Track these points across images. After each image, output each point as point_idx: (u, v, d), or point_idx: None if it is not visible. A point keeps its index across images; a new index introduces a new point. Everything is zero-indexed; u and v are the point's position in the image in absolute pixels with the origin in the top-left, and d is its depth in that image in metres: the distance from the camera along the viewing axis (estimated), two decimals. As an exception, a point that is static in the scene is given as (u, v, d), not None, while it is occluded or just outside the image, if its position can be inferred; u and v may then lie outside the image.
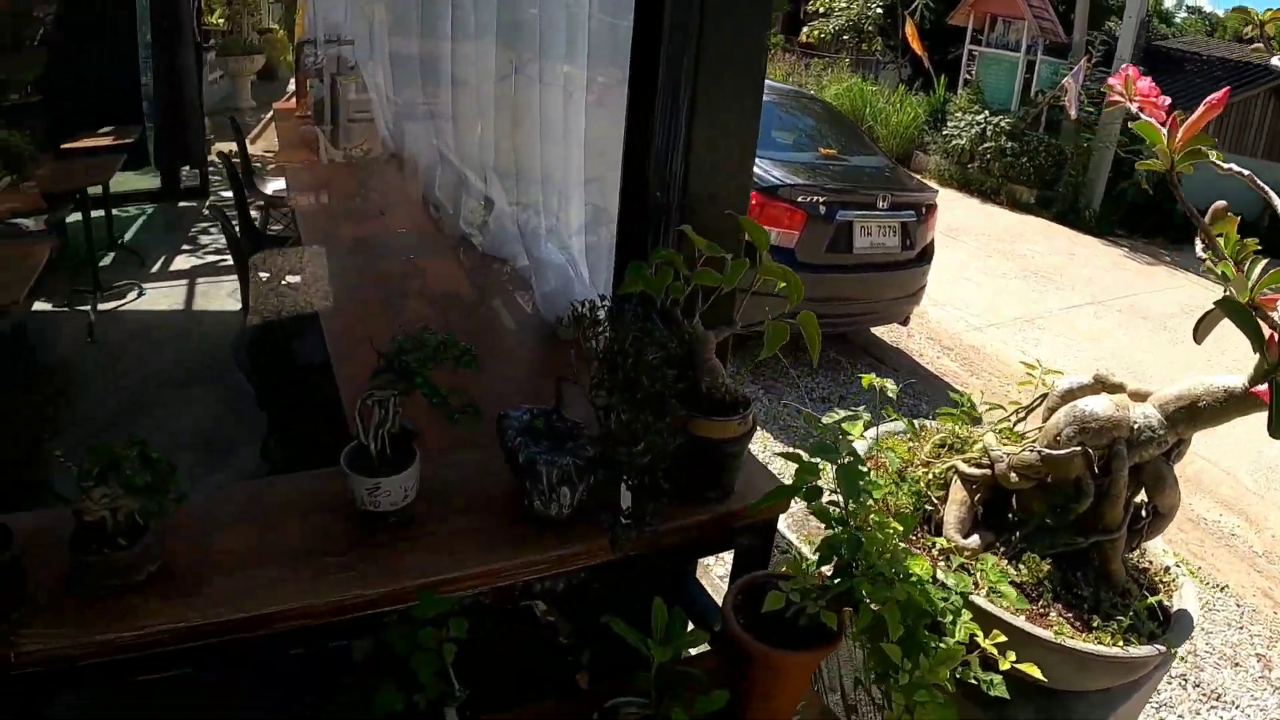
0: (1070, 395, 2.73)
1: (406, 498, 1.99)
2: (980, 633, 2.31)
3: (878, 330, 8.38)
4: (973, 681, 2.28)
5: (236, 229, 5.94)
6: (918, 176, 11.19)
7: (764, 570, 2.34)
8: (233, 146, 7.83)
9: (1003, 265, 11.38)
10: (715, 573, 4.06)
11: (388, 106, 6.28)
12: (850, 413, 2.36)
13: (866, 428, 2.38)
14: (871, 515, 2.09)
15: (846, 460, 1.98)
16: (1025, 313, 9.64)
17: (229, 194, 9.23)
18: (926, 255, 7.71)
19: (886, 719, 2.19)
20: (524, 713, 2.08)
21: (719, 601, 2.14)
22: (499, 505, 2.12)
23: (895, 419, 2.89)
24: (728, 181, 2.42)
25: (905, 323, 8.05)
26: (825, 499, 2.04)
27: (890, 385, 2.62)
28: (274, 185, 7.52)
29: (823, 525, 2.08)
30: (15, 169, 6.25)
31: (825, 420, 2.34)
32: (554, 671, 2.81)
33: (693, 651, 2.03)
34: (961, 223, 12.49)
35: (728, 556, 2.56)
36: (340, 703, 1.79)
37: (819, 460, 2.04)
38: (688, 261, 2.13)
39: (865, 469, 2.04)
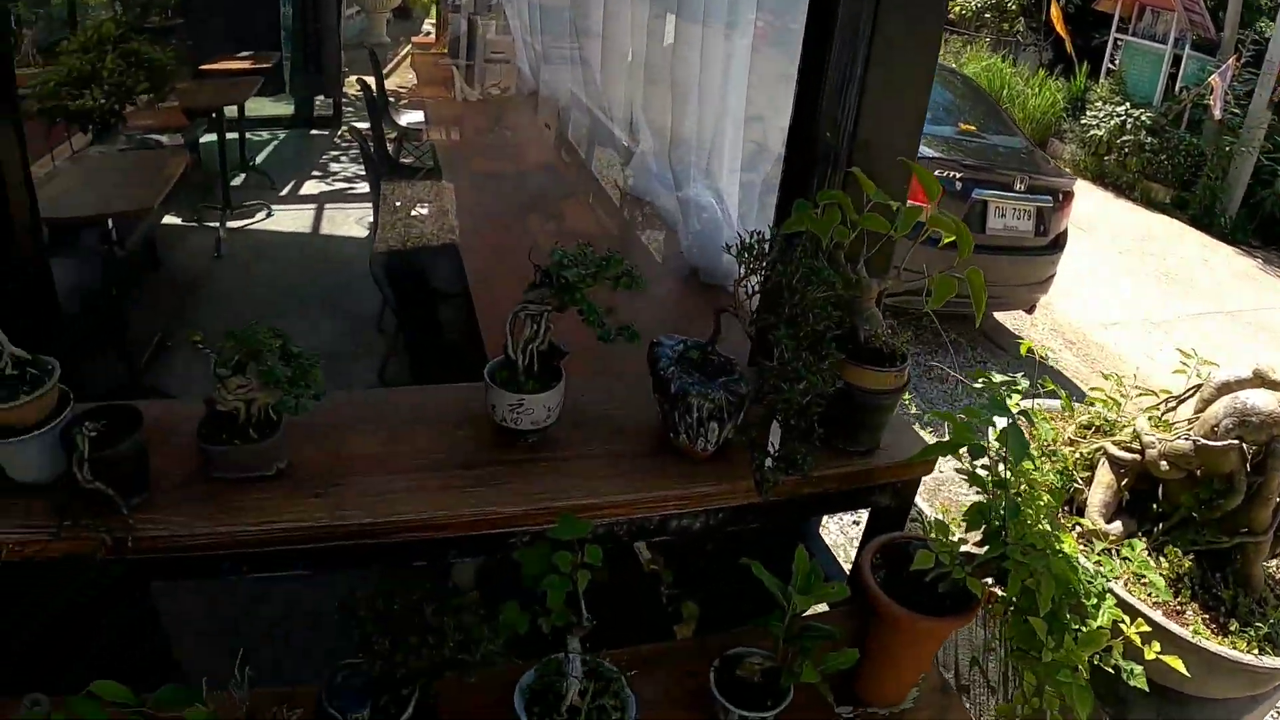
0: (1227, 388, 2.59)
1: (549, 418, 1.93)
2: (1126, 620, 2.21)
3: (1001, 315, 8.15)
4: (1108, 669, 2.20)
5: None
6: (1056, 162, 10.85)
7: (899, 532, 2.25)
8: (365, 80, 7.90)
9: (1132, 263, 11.00)
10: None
11: (529, 48, 6.25)
12: (1008, 378, 2.26)
13: (1024, 396, 2.28)
14: (1023, 485, 2.00)
15: (1014, 420, 1.87)
16: (1152, 315, 9.30)
17: (362, 125, 9.37)
18: (1059, 243, 7.47)
19: (1015, 699, 2.11)
20: (645, 650, 2.03)
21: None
22: (640, 435, 2.06)
23: (1052, 388, 2.77)
24: (899, 128, 2.32)
25: (1031, 311, 7.82)
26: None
27: (1045, 351, 2.50)
28: (407, 118, 7.57)
29: (973, 489, 1.99)
30: (157, 85, 6.35)
31: (980, 383, 2.24)
32: (652, 619, 2.77)
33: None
34: (1092, 215, 12.10)
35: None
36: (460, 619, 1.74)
37: (978, 420, 1.95)
38: (854, 206, 2.04)
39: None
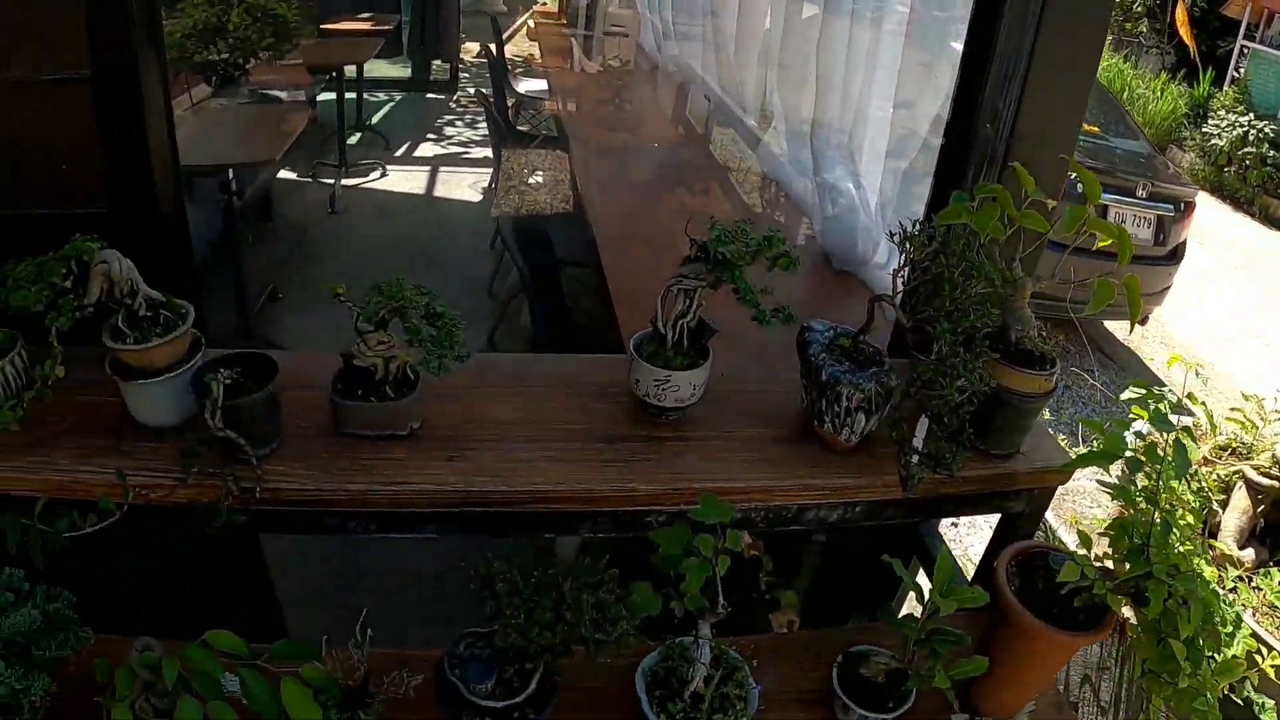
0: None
1: (693, 396, 1.90)
2: (1263, 650, 2.14)
3: (1111, 325, 7.95)
4: (1238, 700, 2.13)
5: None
6: (1178, 169, 10.56)
7: (1033, 541, 2.19)
8: (479, 46, 7.94)
9: (1247, 281, 10.67)
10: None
11: (653, 23, 6.21)
12: (1153, 390, 2.18)
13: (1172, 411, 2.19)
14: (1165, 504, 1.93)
15: (1177, 432, 1.81)
16: (1265, 335, 9.02)
17: (477, 91, 9.42)
18: (1177, 254, 7.28)
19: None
20: (766, 640, 2.00)
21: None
22: (780, 420, 2.03)
23: (1199, 405, 2.68)
24: (1059, 124, 2.26)
25: (1143, 322, 7.62)
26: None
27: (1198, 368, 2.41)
28: (526, 85, 7.58)
29: (1117, 502, 1.93)
30: (282, 41, 6.43)
31: (1126, 395, 2.17)
32: (747, 604, 2.74)
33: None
34: (1208, 228, 11.76)
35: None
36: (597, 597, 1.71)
37: (1129, 432, 1.88)
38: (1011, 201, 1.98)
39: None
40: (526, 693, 1.61)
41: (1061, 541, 1.87)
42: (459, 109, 9.66)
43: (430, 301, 1.83)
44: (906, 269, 1.89)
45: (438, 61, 10.27)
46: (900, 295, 1.88)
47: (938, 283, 1.83)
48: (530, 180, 4.98)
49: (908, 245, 1.85)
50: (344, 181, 7.28)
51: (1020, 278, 2.01)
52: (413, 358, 1.85)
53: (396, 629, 3.36)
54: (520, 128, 7.05)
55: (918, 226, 1.88)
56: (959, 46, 2.63)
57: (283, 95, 6.60)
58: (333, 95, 7.44)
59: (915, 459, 1.84)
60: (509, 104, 7.30)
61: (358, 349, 1.83)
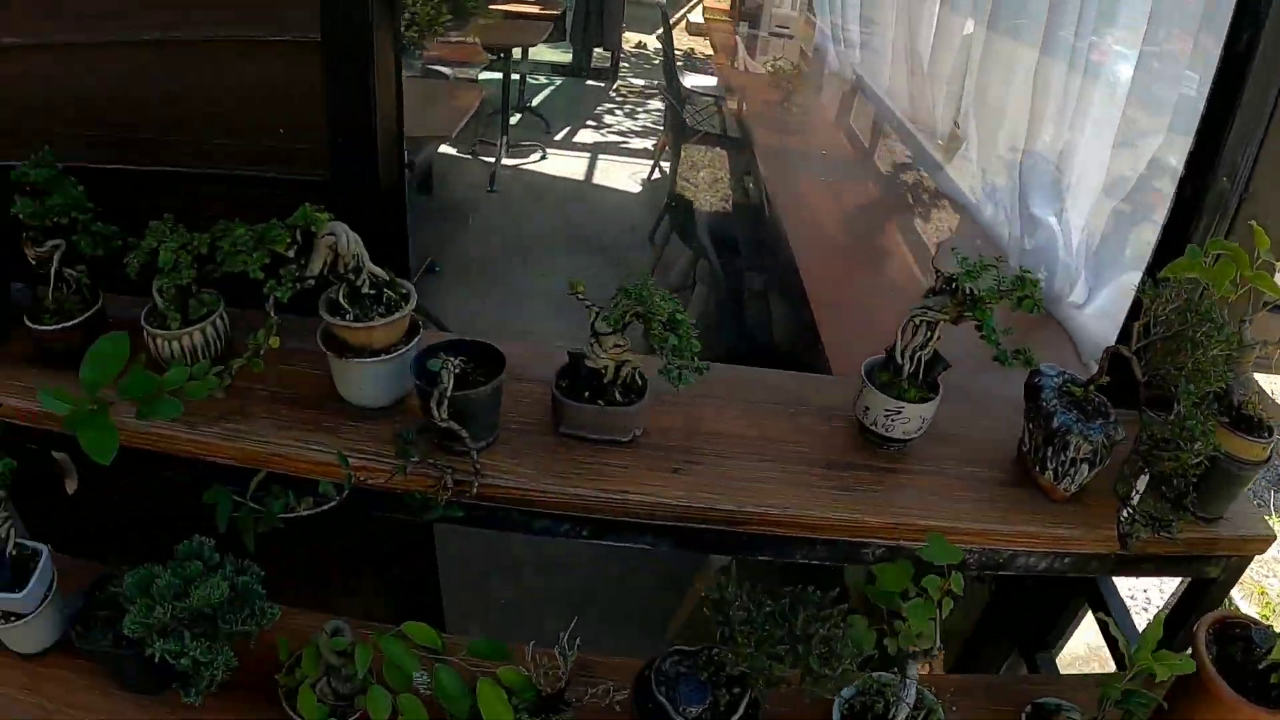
0: None
1: (920, 430, 1.88)
2: None
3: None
4: None
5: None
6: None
7: (1228, 610, 2.14)
8: (639, 38, 7.97)
9: None
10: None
11: (834, 29, 6.15)
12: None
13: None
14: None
15: None
16: None
17: (637, 81, 9.47)
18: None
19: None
20: (955, 679, 1.99)
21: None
22: (995, 462, 1.96)
23: None
24: (1294, 186, 2.18)
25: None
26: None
27: None
28: (691, 80, 7.59)
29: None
30: (460, 19, 6.54)
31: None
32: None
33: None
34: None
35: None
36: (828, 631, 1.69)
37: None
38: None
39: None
40: (735, 718, 1.60)
41: (1238, 608, 1.82)
42: (618, 98, 9.67)
43: (675, 310, 1.77)
44: (1145, 321, 1.85)
45: (599, 49, 10.32)
46: (1136, 348, 1.85)
47: (1179, 340, 1.79)
48: (707, 177, 4.98)
49: (1154, 293, 1.81)
50: (504, 161, 7.36)
51: (1249, 341, 1.97)
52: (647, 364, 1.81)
53: (535, 619, 3.42)
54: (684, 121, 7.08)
55: (1156, 280, 1.85)
56: (1186, 92, 2.58)
57: (447, 72, 6.73)
58: (494, 75, 7.50)
59: (1136, 517, 1.81)
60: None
61: (591, 350, 1.80)
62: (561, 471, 1.78)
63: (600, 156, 7.84)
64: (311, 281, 1.78)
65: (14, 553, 1.91)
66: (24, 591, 1.86)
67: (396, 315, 1.82)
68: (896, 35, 4.71)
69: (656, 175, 7.40)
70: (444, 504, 1.73)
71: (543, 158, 7.70)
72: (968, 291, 1.73)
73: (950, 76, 4.11)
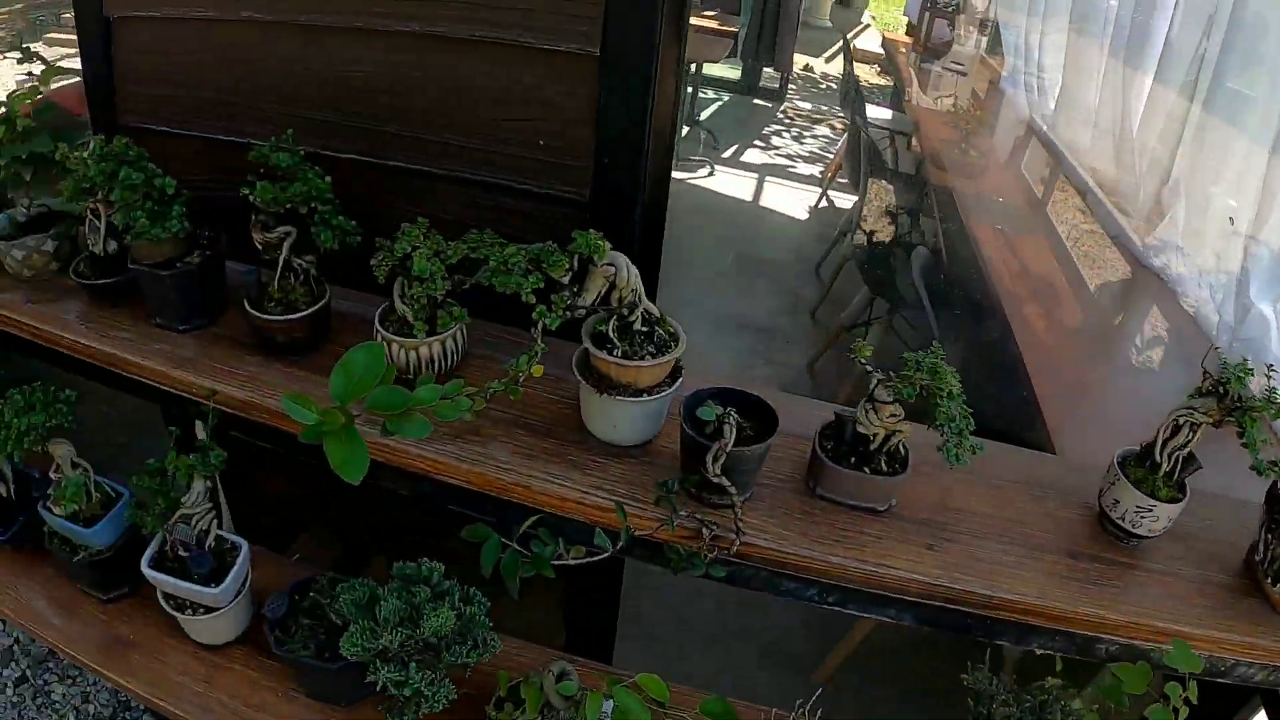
0: None
1: (1164, 529, 1.83)
2: None
3: None
4: None
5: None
6: None
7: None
8: (806, 59, 7.88)
9: None
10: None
11: (1027, 73, 6.01)
12: None
13: None
14: None
15: None
16: None
17: (803, 104, 9.40)
18: None
19: None
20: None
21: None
22: (1221, 564, 1.87)
23: None
24: None
25: None
26: None
27: None
28: (871, 112, 7.51)
29: None
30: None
31: None
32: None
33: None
34: None
35: None
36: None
37: None
38: None
39: None
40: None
41: None
42: (785, 119, 9.64)
43: (958, 385, 1.70)
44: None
45: (769, 69, 10.30)
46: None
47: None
48: (898, 218, 4.89)
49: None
50: (673, 175, 7.36)
51: None
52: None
53: (684, 651, 3.41)
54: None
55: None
56: None
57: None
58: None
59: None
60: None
61: (864, 415, 1.75)
62: (820, 536, 1.75)
63: (768, 178, 7.80)
64: (583, 311, 1.76)
65: (212, 544, 1.95)
66: (220, 587, 1.89)
67: (667, 357, 1.79)
68: (1104, 96, 4.55)
69: (824, 204, 7.34)
70: (708, 562, 1.69)
71: (711, 173, 7.69)
72: (1237, 397, 1.67)
73: (1158, 147, 3.97)
